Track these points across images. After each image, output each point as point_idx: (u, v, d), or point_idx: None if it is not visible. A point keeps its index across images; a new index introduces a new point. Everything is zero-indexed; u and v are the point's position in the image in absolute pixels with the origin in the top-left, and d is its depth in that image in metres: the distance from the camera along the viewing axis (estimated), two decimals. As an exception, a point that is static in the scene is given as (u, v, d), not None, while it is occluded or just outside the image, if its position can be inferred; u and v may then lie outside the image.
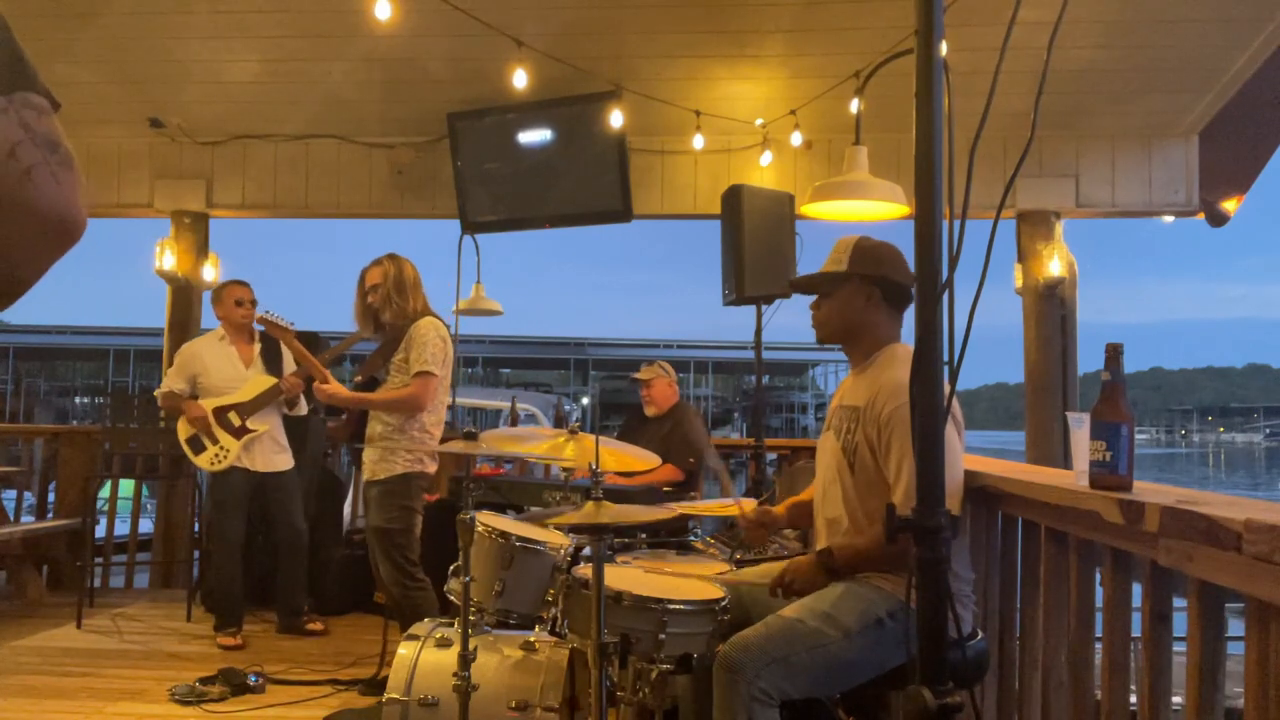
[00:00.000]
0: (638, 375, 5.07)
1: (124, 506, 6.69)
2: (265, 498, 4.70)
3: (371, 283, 3.82)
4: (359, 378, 3.84)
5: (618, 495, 3.90)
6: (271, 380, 4.64)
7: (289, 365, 4.73)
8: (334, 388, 3.87)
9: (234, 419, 4.59)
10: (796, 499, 2.77)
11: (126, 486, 6.19)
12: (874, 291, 2.41)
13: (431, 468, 3.80)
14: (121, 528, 6.34)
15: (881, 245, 2.43)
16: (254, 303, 4.75)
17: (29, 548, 5.52)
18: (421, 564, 3.72)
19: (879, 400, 2.29)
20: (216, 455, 4.56)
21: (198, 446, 4.58)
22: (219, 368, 4.65)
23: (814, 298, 2.52)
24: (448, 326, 3.87)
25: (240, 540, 4.62)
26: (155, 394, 4.89)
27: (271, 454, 4.68)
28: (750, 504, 2.83)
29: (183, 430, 4.62)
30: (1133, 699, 1.85)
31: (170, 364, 4.84)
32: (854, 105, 4.11)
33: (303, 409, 4.89)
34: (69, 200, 0.78)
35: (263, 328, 4.32)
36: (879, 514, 1.95)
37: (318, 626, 4.77)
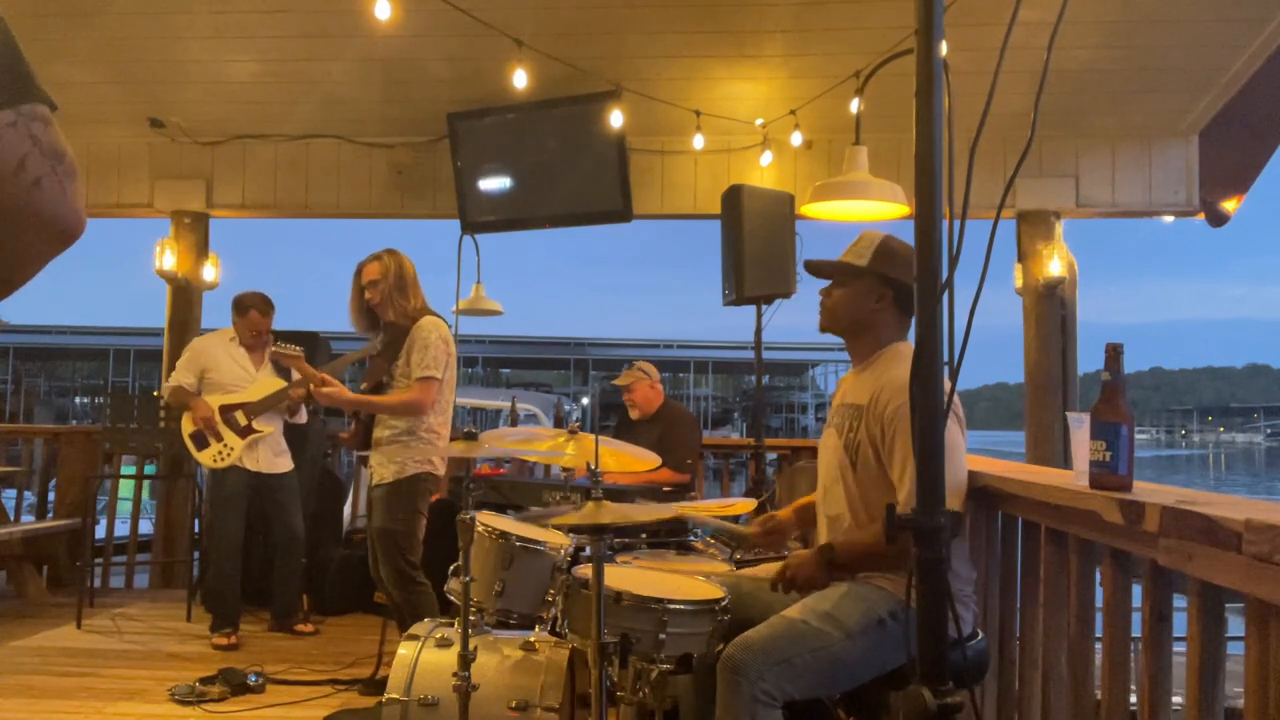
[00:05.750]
0: (618, 381, 5.04)
1: (124, 507, 6.69)
2: (264, 499, 4.70)
3: (370, 278, 3.75)
4: (365, 385, 3.83)
5: (617, 494, 3.90)
6: (281, 383, 4.64)
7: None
8: (334, 389, 3.79)
9: (240, 418, 4.59)
10: (802, 501, 2.76)
11: (126, 486, 6.20)
12: (886, 293, 2.40)
13: (440, 469, 3.78)
14: (121, 528, 6.33)
15: (906, 248, 2.41)
16: (271, 334, 4.74)
17: (29, 547, 5.52)
18: (422, 565, 3.71)
19: (882, 398, 2.28)
20: (220, 453, 4.56)
21: (201, 442, 4.58)
22: (228, 365, 4.65)
23: (826, 284, 2.51)
24: (448, 325, 3.84)
25: (238, 540, 4.61)
26: (163, 388, 4.87)
27: (273, 455, 4.70)
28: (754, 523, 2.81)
29: (186, 425, 4.61)
30: (1133, 699, 1.85)
31: (171, 363, 4.82)
32: (854, 105, 4.10)
33: (303, 418, 4.89)
34: (72, 207, 0.83)
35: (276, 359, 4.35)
36: (881, 511, 1.94)
37: (307, 628, 4.77)
